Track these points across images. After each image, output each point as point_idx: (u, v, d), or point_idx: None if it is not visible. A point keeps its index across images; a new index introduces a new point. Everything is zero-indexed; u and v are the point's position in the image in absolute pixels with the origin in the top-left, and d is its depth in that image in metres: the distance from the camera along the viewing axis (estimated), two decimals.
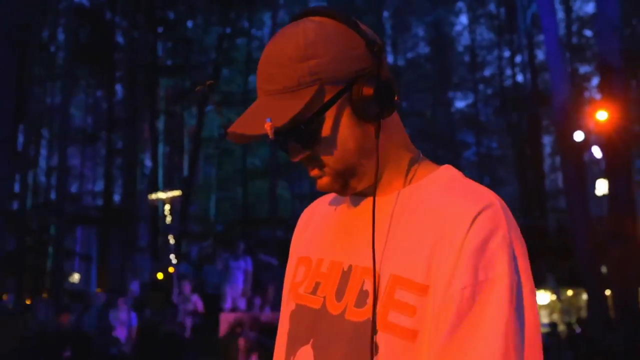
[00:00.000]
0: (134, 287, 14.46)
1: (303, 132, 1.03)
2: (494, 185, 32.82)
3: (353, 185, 1.08)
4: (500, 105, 31.31)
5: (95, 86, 30.84)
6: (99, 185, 30.73)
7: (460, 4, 32.45)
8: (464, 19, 34.07)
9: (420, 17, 31.68)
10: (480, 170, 32.93)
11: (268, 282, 12.53)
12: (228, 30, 26.57)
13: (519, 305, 0.94)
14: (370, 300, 1.00)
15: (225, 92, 28.46)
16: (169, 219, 26.10)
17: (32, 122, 24.26)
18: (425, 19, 31.40)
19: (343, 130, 1.04)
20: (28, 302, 19.24)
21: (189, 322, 11.96)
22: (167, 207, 25.74)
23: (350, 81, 1.02)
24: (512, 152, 31.29)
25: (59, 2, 24.67)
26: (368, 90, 1.01)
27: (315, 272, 1.15)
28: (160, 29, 25.87)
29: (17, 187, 22.83)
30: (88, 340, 11.08)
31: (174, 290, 13.53)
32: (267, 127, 0.95)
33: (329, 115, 1.03)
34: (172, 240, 25.17)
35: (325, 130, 1.04)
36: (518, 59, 30.72)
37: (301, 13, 1.10)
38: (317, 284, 1.13)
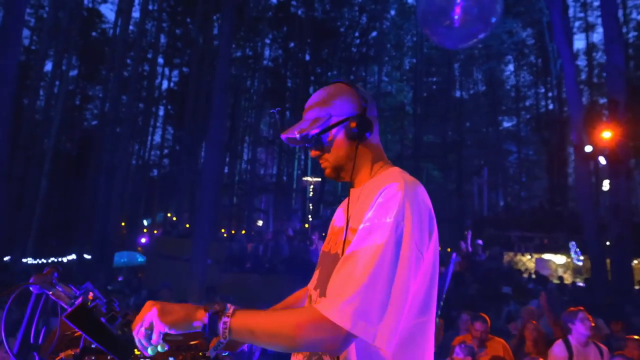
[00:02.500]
0: (290, 231, 15.59)
1: (317, 140, 1.22)
2: (529, 180, 31.85)
3: (342, 175, 1.26)
4: (535, 125, 30.31)
5: None
6: (274, 170, 31.75)
7: (509, 57, 31.51)
8: (511, 67, 32.88)
9: (479, 66, 31.20)
10: (520, 170, 31.96)
11: None
12: (351, 77, 27.80)
13: (397, 242, 1.01)
14: (340, 242, 1.18)
15: None
16: (311, 194, 26.63)
17: (238, 132, 27.75)
18: (482, 68, 30.84)
19: (339, 143, 1.21)
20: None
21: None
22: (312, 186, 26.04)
23: (347, 117, 1.20)
24: (544, 157, 29.76)
25: (256, 65, 26.99)
26: (354, 125, 1.18)
27: (332, 231, 1.32)
28: (312, 78, 26.95)
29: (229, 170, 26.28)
30: (260, 257, 12.15)
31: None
32: (297, 134, 1.20)
33: (332, 134, 1.22)
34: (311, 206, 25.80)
35: (330, 141, 1.22)
36: (550, 94, 29.59)
37: (332, 81, 1.29)
38: (330, 238, 1.31)
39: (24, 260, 17.91)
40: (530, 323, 4.87)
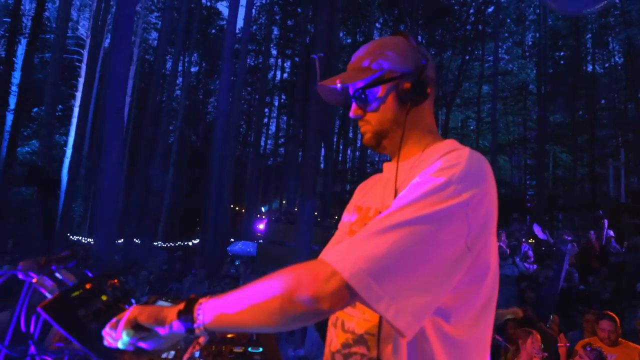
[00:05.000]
0: None
1: (362, 95, 1.04)
2: None
3: (384, 144, 1.07)
4: None
5: None
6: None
7: None
8: None
9: (615, 35, 27.54)
10: None
11: None
12: (467, 57, 26.73)
13: (450, 209, 0.81)
14: None
15: (465, 98, 28.28)
16: None
17: (351, 121, 28.40)
18: (619, 37, 26.91)
19: (387, 104, 1.03)
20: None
21: None
22: None
23: (402, 74, 1.02)
24: None
25: None
26: (407, 85, 1.01)
27: (365, 215, 1.10)
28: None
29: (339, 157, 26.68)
30: None
31: None
32: (339, 83, 1.02)
33: (381, 91, 1.03)
34: None
35: (376, 99, 1.04)
36: None
37: (393, 33, 1.12)
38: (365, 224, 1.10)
39: (154, 243, 19.83)
40: None
